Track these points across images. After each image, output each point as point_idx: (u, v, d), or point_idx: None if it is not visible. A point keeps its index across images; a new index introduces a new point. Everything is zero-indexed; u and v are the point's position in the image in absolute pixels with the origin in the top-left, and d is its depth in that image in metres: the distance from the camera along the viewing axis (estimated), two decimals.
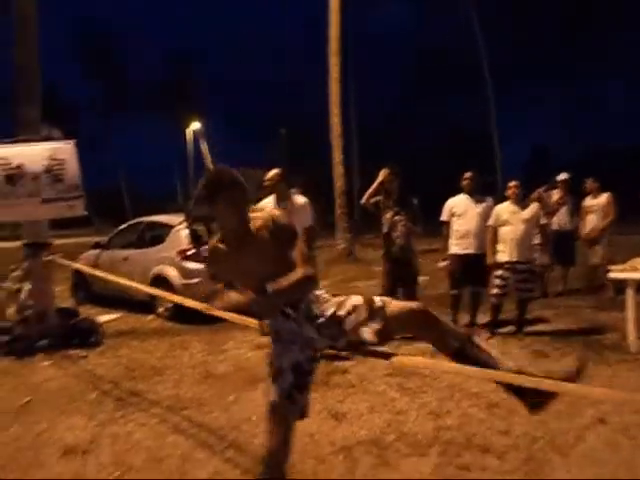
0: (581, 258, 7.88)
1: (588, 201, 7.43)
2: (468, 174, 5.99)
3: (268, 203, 4.95)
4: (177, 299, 3.86)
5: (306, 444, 3.08)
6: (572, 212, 7.59)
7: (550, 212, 7.39)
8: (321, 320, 2.24)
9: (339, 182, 12.80)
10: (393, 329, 2.23)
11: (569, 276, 8.03)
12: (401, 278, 5.56)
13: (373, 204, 5.64)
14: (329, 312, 2.22)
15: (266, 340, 5.73)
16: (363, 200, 5.77)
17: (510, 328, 5.78)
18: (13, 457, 3.10)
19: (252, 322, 2.52)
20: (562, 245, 7.58)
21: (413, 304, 2.30)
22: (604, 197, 7.27)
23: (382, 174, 5.56)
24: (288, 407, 2.18)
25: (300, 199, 5.01)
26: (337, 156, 12.82)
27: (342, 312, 2.21)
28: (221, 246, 2.32)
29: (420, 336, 2.40)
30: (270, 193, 4.97)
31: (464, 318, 6.15)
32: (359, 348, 2.29)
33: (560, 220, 7.58)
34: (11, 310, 6.27)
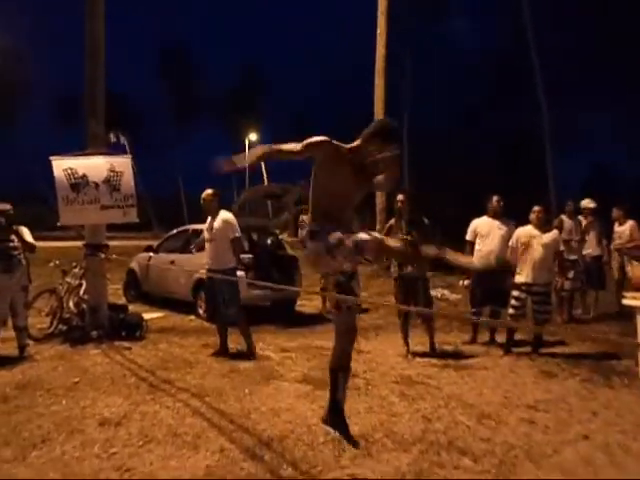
0: (612, 284, 7.92)
1: (616, 228, 7.52)
2: (496, 197, 6.24)
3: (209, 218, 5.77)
4: None
5: (302, 433, 3.51)
6: (600, 237, 7.69)
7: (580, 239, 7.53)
8: None
9: (380, 199, 13.17)
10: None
11: (601, 301, 8.08)
12: (414, 297, 5.84)
13: (386, 231, 6.02)
14: None
15: (289, 344, 6.25)
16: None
17: (526, 348, 5.97)
18: (61, 424, 3.69)
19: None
20: (591, 270, 7.67)
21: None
22: (628, 225, 7.34)
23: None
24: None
25: (224, 215, 5.73)
26: None
27: None
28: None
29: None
30: (204, 211, 5.80)
31: (484, 336, 6.40)
32: None
33: (589, 245, 7.69)
34: (71, 303, 7.05)
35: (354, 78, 27.96)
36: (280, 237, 8.54)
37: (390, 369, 5.22)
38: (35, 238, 5.78)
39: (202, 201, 5.79)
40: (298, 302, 8.73)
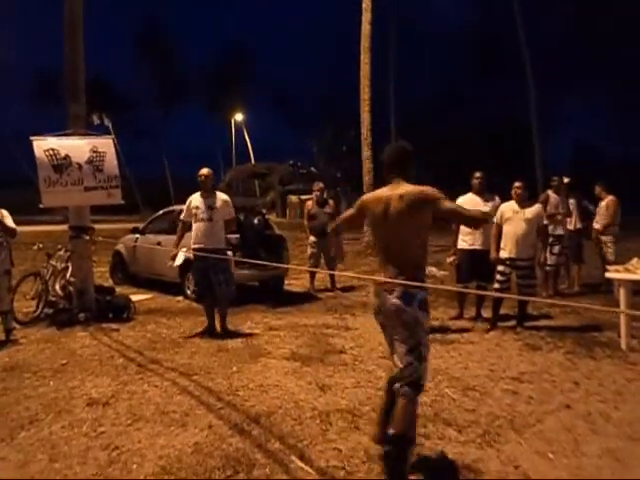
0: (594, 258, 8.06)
1: (600, 203, 7.61)
2: (478, 174, 6.27)
3: (196, 197, 5.76)
4: None
5: (290, 408, 3.55)
6: (579, 213, 7.84)
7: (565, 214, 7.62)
8: None
9: (367, 177, 13.16)
10: None
11: (584, 275, 8.21)
12: None
13: None
14: None
15: (277, 323, 6.27)
16: None
17: (512, 322, 6.05)
18: (49, 405, 3.70)
19: None
20: (571, 244, 7.80)
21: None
22: (606, 200, 7.44)
23: None
24: None
25: (223, 196, 5.80)
26: (366, 152, 13.17)
27: None
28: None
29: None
30: (201, 188, 5.73)
31: (470, 311, 6.47)
32: None
33: (571, 221, 7.82)
34: (57, 286, 7.01)
35: (339, 57, 27.78)
36: (267, 217, 8.51)
37: (377, 345, 5.25)
38: (21, 222, 5.70)
39: (202, 178, 5.67)
40: (286, 281, 8.75)
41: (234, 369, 4.39)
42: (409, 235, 2.76)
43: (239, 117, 38.32)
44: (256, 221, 7.91)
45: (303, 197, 31.13)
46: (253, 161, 32.14)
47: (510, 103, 26.81)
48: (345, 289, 8.51)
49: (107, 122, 38.33)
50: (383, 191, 2.86)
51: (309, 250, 8.44)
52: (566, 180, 7.83)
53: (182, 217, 5.91)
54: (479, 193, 6.24)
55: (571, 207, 7.77)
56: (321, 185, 8.50)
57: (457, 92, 29.31)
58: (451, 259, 6.52)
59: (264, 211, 8.27)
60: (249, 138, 38.51)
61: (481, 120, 28.77)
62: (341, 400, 3.70)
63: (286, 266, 7.85)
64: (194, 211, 5.69)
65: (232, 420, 3.37)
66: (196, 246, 5.61)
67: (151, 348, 5.14)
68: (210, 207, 5.63)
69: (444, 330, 5.89)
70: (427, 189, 2.75)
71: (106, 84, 36.12)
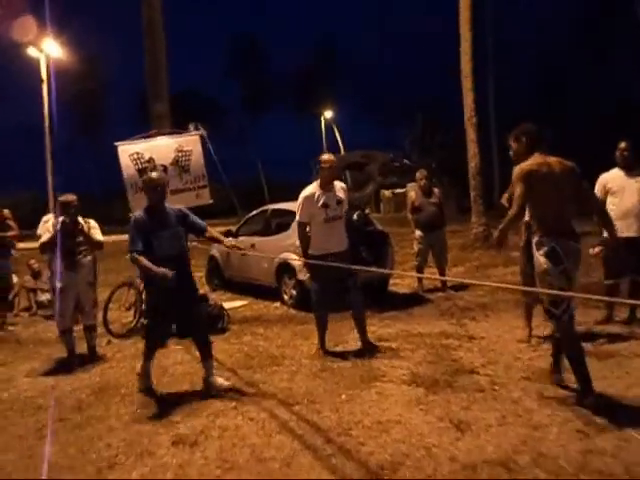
0: None
1: None
2: (623, 144, 5.09)
3: (316, 190, 4.78)
4: None
5: (421, 458, 2.70)
6: None
7: None
8: None
9: (473, 162, 11.78)
10: None
11: None
12: None
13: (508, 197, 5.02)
14: None
15: (387, 331, 5.39)
16: (503, 200, 5.16)
17: None
18: (131, 442, 3.16)
19: None
20: None
21: None
22: None
23: None
24: None
25: (341, 184, 4.98)
26: (470, 133, 11.78)
27: None
28: None
29: None
30: (326, 176, 4.76)
31: (623, 312, 5.27)
32: None
33: None
34: None
35: (431, 40, 26.41)
36: (366, 211, 7.70)
37: (514, 360, 4.28)
38: (115, 232, 5.40)
39: (327, 165, 4.69)
40: (390, 281, 7.89)
41: (343, 397, 3.60)
42: (569, 192, 3.36)
43: (328, 114, 37.96)
44: (355, 217, 7.11)
45: (397, 191, 29.96)
46: (343, 152, 31.46)
47: (623, 85, 24.02)
48: (457, 287, 7.49)
49: (203, 131, 39.79)
50: (535, 160, 3.37)
51: (415, 246, 7.53)
52: None
53: (301, 219, 4.80)
54: (626, 168, 5.05)
55: None
56: (425, 173, 7.55)
57: (563, 74, 26.74)
58: (596, 250, 5.32)
59: (363, 205, 7.45)
60: (340, 135, 38.01)
61: (590, 103, 26.00)
62: (487, 445, 2.79)
63: (387, 271, 6.98)
64: (320, 209, 4.68)
65: (347, 474, 2.59)
66: (331, 251, 4.66)
67: (246, 366, 4.53)
68: (339, 201, 4.73)
69: (594, 338, 4.75)
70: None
71: (199, 93, 37.44)
